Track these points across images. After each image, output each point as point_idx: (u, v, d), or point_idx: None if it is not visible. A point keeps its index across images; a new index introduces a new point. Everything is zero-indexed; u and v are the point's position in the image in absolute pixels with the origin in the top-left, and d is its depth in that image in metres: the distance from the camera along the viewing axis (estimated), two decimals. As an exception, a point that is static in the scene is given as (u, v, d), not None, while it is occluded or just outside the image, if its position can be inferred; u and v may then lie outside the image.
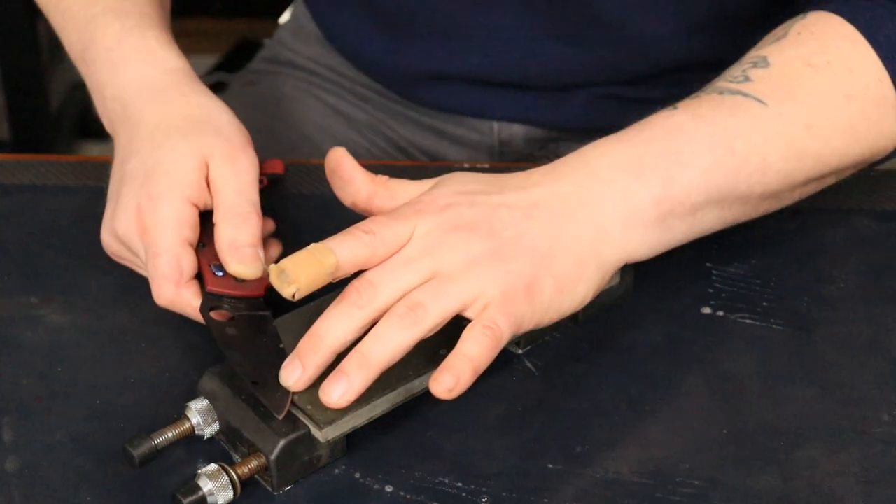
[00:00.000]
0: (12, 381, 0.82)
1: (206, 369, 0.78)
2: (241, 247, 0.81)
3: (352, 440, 0.76)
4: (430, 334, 0.74)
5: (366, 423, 0.76)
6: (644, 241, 0.81)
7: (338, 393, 0.72)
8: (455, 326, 0.79)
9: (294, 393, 0.75)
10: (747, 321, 0.86)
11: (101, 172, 0.99)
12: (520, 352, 0.83)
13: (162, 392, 0.81)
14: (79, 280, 0.89)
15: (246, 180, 0.84)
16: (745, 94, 0.83)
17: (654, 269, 0.89)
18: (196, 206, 0.83)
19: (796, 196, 0.87)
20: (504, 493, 0.74)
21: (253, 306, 0.82)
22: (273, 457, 0.73)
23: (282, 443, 0.73)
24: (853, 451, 0.77)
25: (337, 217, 0.94)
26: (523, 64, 1.05)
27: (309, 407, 0.74)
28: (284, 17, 1.33)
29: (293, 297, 0.74)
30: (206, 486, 0.72)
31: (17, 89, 2.29)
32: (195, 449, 0.77)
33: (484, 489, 0.75)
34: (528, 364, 0.83)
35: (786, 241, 0.93)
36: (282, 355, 0.76)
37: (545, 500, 0.74)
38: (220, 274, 0.82)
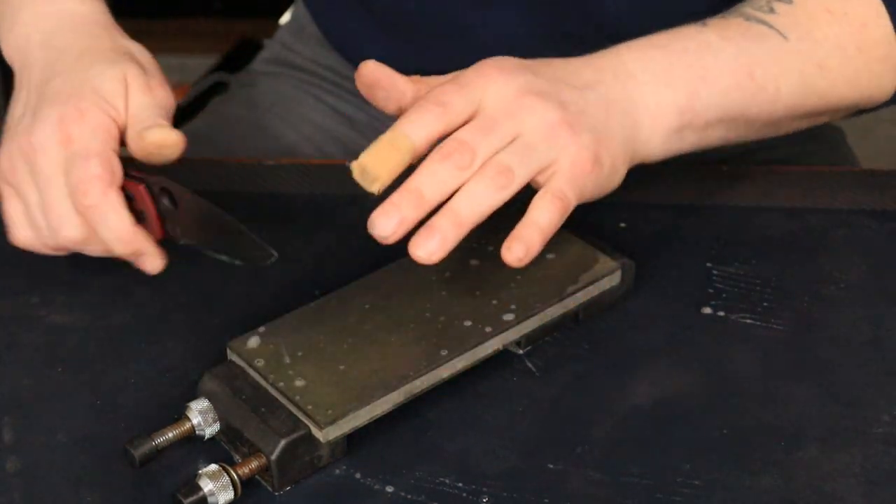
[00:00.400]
0: (13, 381, 0.82)
1: (206, 370, 0.78)
2: (152, 125, 0.83)
3: (352, 440, 0.76)
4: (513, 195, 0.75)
5: (366, 423, 0.76)
6: (660, 145, 0.84)
7: (432, 246, 0.73)
8: (455, 327, 0.80)
9: (296, 395, 0.75)
10: (748, 321, 0.86)
11: (101, 172, 0.99)
12: (520, 352, 0.83)
13: (162, 392, 0.81)
14: (79, 280, 0.89)
15: (163, 106, 0.85)
16: (770, 26, 0.87)
17: (655, 269, 0.89)
18: (118, 126, 0.83)
19: (793, 127, 0.92)
20: (504, 494, 0.74)
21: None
22: (274, 457, 0.73)
23: (282, 443, 0.73)
24: (854, 451, 0.77)
25: (337, 216, 0.95)
26: None
27: (310, 407, 0.74)
28: (285, 18, 1.33)
29: (378, 192, 0.74)
30: (206, 486, 0.72)
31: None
32: (196, 449, 0.77)
33: (484, 489, 0.75)
34: (529, 364, 0.83)
35: (786, 241, 0.93)
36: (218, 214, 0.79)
37: (545, 501, 0.74)
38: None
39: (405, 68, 1.11)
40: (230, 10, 2.53)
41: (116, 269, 0.89)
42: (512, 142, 0.76)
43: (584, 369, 0.83)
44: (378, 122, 1.17)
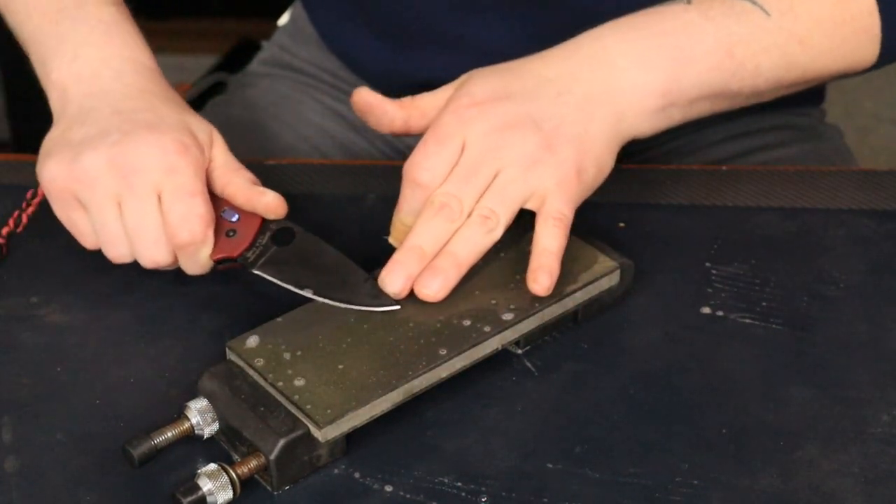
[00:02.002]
0: (12, 380, 0.82)
1: (205, 369, 0.78)
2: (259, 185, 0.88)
3: (351, 440, 0.76)
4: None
5: (365, 422, 0.76)
6: (649, 124, 0.89)
7: (437, 285, 0.81)
8: (454, 327, 0.80)
9: (295, 395, 0.75)
10: (747, 321, 0.86)
11: (100, 172, 0.99)
12: (519, 352, 0.83)
13: (161, 392, 0.81)
14: (78, 280, 0.89)
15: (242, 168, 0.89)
16: (753, 2, 0.89)
17: (654, 269, 0.89)
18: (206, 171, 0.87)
19: (776, 95, 0.94)
20: (503, 493, 0.74)
21: (263, 244, 0.86)
22: (273, 456, 0.73)
23: (281, 442, 0.73)
24: (852, 450, 0.77)
25: (336, 216, 0.95)
26: None
27: (309, 406, 0.74)
28: (283, 20, 1.33)
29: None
30: (205, 485, 0.72)
31: (17, 89, 2.29)
32: (195, 449, 0.77)
33: (483, 489, 0.75)
34: (528, 364, 0.83)
35: (785, 241, 0.93)
36: (334, 255, 0.85)
37: (544, 500, 0.74)
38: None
39: (399, 75, 1.11)
40: (229, 10, 2.53)
41: (116, 269, 0.89)
42: (495, 178, 0.83)
43: (583, 369, 0.83)
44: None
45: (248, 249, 0.86)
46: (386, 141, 1.17)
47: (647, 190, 0.98)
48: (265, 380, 0.76)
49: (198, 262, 0.85)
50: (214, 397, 0.76)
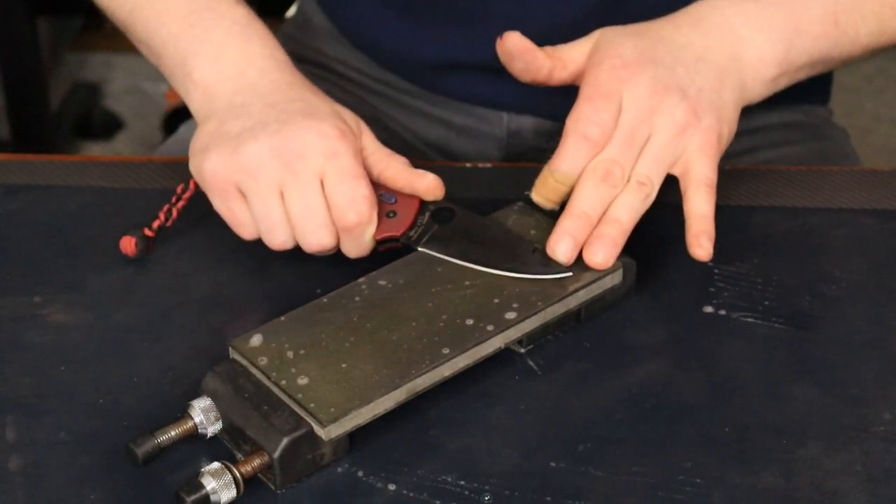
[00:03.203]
0: (15, 380, 0.82)
1: (209, 368, 0.78)
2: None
3: (355, 438, 0.76)
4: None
5: (369, 421, 0.76)
6: (762, 91, 0.93)
7: (606, 253, 0.84)
8: (457, 325, 0.80)
9: (298, 393, 0.75)
10: (749, 320, 0.86)
11: (101, 172, 0.99)
12: (522, 351, 0.84)
13: (165, 391, 0.81)
14: (81, 279, 0.89)
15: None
16: None
17: (656, 268, 0.90)
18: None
19: (862, 59, 0.99)
20: (506, 492, 0.74)
21: (424, 223, 0.87)
22: (276, 455, 0.73)
23: (285, 441, 0.73)
24: (855, 449, 0.77)
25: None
26: None
27: (312, 405, 0.74)
28: (290, 12, 1.33)
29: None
30: (209, 484, 0.72)
31: (17, 89, 2.29)
32: (198, 447, 0.77)
33: (486, 487, 0.75)
34: (531, 363, 0.83)
35: (787, 241, 0.93)
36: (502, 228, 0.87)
37: (547, 499, 0.74)
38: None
39: (421, 55, 1.11)
40: (230, 10, 2.52)
41: (118, 267, 0.89)
42: (647, 143, 0.86)
43: (585, 368, 0.83)
44: (385, 115, 1.17)
45: (410, 228, 0.87)
46: (394, 134, 1.17)
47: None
48: (269, 378, 0.76)
49: (362, 243, 0.86)
50: (218, 396, 0.76)
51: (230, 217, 0.86)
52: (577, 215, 0.84)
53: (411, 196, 0.88)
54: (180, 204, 0.91)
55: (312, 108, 0.87)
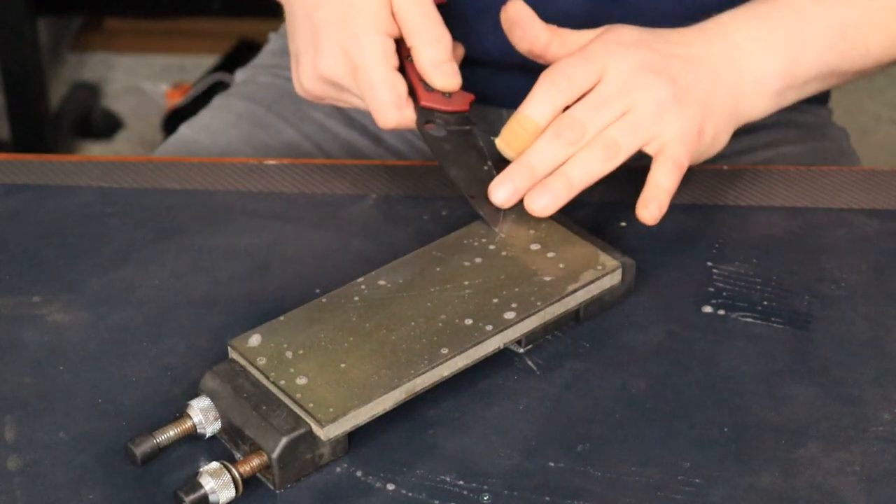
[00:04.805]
0: (14, 379, 0.82)
1: (207, 368, 0.78)
2: (441, 62, 0.90)
3: (353, 438, 0.76)
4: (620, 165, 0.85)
5: (367, 421, 0.76)
6: (764, 106, 0.93)
7: (545, 201, 0.84)
8: (456, 325, 0.80)
9: (297, 393, 0.75)
10: (748, 320, 0.86)
11: (101, 172, 0.99)
12: (521, 350, 0.84)
13: (164, 390, 0.81)
14: (80, 279, 0.89)
15: (427, 4, 0.91)
16: None
17: (655, 268, 0.89)
18: (391, 36, 0.90)
19: (876, 72, 0.99)
20: (505, 492, 0.74)
21: (460, 121, 0.90)
22: (275, 455, 0.73)
23: (283, 441, 0.73)
24: (854, 449, 0.77)
25: (338, 216, 0.95)
26: None
27: (311, 405, 0.74)
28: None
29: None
30: (207, 484, 0.72)
31: (17, 89, 2.29)
32: (197, 447, 0.77)
33: (485, 487, 0.75)
34: (530, 363, 0.83)
35: (786, 241, 0.93)
36: (490, 173, 0.88)
37: (546, 499, 0.74)
38: (429, 90, 0.90)
39: None
40: (230, 10, 2.53)
41: (118, 267, 0.89)
42: (623, 116, 0.86)
43: (584, 368, 0.83)
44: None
45: (448, 114, 0.90)
46: (389, 139, 1.17)
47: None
48: (267, 378, 0.76)
49: (411, 127, 0.90)
50: (217, 396, 0.76)
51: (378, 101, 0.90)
52: (523, 165, 0.85)
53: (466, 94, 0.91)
54: None
55: (335, 10, 0.90)
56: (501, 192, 0.85)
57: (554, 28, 0.91)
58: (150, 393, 0.81)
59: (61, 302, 0.87)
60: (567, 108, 0.86)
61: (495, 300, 0.82)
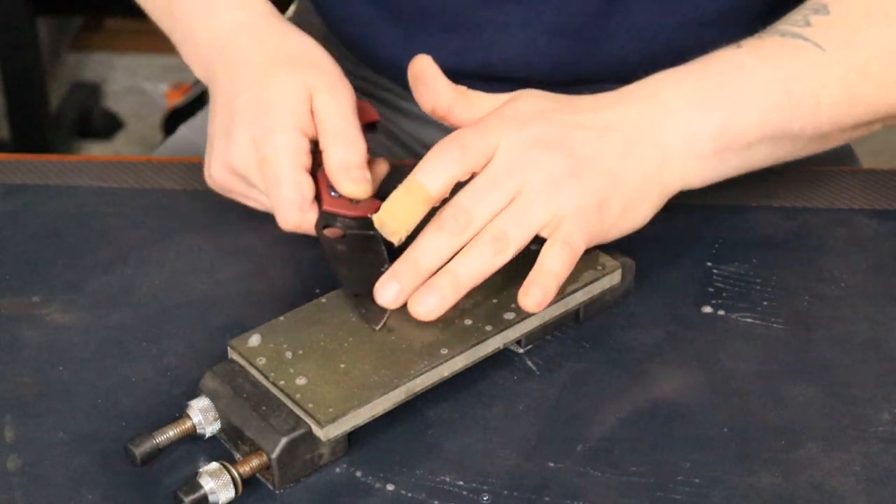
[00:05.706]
0: (14, 380, 0.82)
1: (207, 368, 0.78)
2: (351, 168, 0.88)
3: (353, 439, 0.76)
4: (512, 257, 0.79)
5: (367, 421, 0.76)
6: (701, 171, 0.85)
7: (431, 303, 0.78)
8: (455, 325, 0.80)
9: (297, 393, 0.75)
10: (748, 320, 0.86)
11: (101, 172, 0.99)
12: (521, 351, 0.84)
13: (163, 391, 0.81)
14: (80, 279, 0.89)
15: (347, 108, 0.90)
16: (805, 39, 0.87)
17: (655, 269, 0.89)
18: (306, 135, 0.89)
19: (844, 138, 0.91)
20: (505, 492, 0.74)
21: (363, 226, 0.87)
22: (274, 455, 0.73)
23: (283, 441, 0.73)
24: (854, 449, 0.77)
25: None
26: (531, 59, 1.05)
27: (310, 405, 0.74)
28: (289, 13, 1.33)
29: (399, 242, 0.80)
30: (207, 484, 0.72)
31: (17, 89, 2.29)
32: (197, 447, 0.77)
33: (485, 488, 0.75)
34: (529, 363, 0.83)
35: (786, 241, 0.93)
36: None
37: (546, 499, 0.74)
38: (335, 195, 0.88)
39: (410, 61, 1.10)
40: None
41: (117, 267, 0.89)
42: (513, 200, 0.79)
43: (584, 368, 0.83)
44: (381, 117, 1.16)
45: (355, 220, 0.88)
46: (391, 136, 1.17)
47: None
48: (267, 379, 0.76)
49: (311, 233, 0.88)
50: (216, 396, 0.76)
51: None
52: (408, 261, 0.78)
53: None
54: None
55: (253, 100, 0.89)
56: (387, 292, 0.78)
57: (461, 89, 0.86)
58: (149, 393, 0.81)
59: (61, 302, 0.87)
60: (458, 184, 0.81)
61: (495, 300, 0.82)
